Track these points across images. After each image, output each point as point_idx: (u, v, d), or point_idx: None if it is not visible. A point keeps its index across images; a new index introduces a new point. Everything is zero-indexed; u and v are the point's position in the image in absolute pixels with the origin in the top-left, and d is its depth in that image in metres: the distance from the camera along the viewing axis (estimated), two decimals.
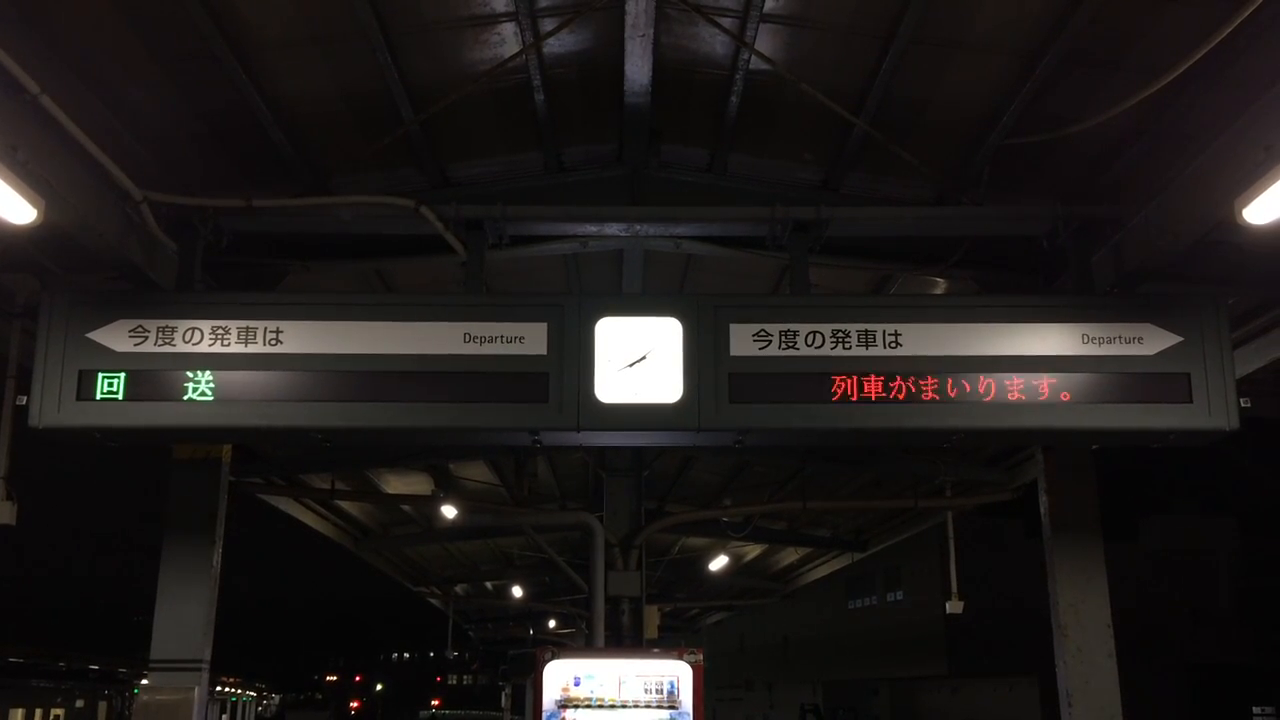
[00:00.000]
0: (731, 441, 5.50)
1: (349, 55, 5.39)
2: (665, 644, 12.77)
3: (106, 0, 4.76)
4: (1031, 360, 5.21)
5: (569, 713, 8.20)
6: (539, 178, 6.74)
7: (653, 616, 14.70)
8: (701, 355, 5.26)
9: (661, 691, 8.19)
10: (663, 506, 14.59)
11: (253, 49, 5.21)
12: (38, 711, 20.44)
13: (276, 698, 59.86)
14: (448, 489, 13.10)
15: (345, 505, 13.62)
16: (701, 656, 8.30)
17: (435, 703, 58.84)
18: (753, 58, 5.49)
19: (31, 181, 4.39)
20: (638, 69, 5.57)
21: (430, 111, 5.68)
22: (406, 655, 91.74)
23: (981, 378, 5.19)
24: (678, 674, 8.23)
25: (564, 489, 15.16)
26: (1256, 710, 24.92)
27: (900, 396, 5.18)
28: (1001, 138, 5.70)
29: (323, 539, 14.36)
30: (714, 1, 5.26)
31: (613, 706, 8.18)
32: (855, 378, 5.19)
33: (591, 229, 6.20)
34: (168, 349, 5.19)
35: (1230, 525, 27.88)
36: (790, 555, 19.05)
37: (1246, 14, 4.23)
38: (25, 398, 5.16)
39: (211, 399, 5.14)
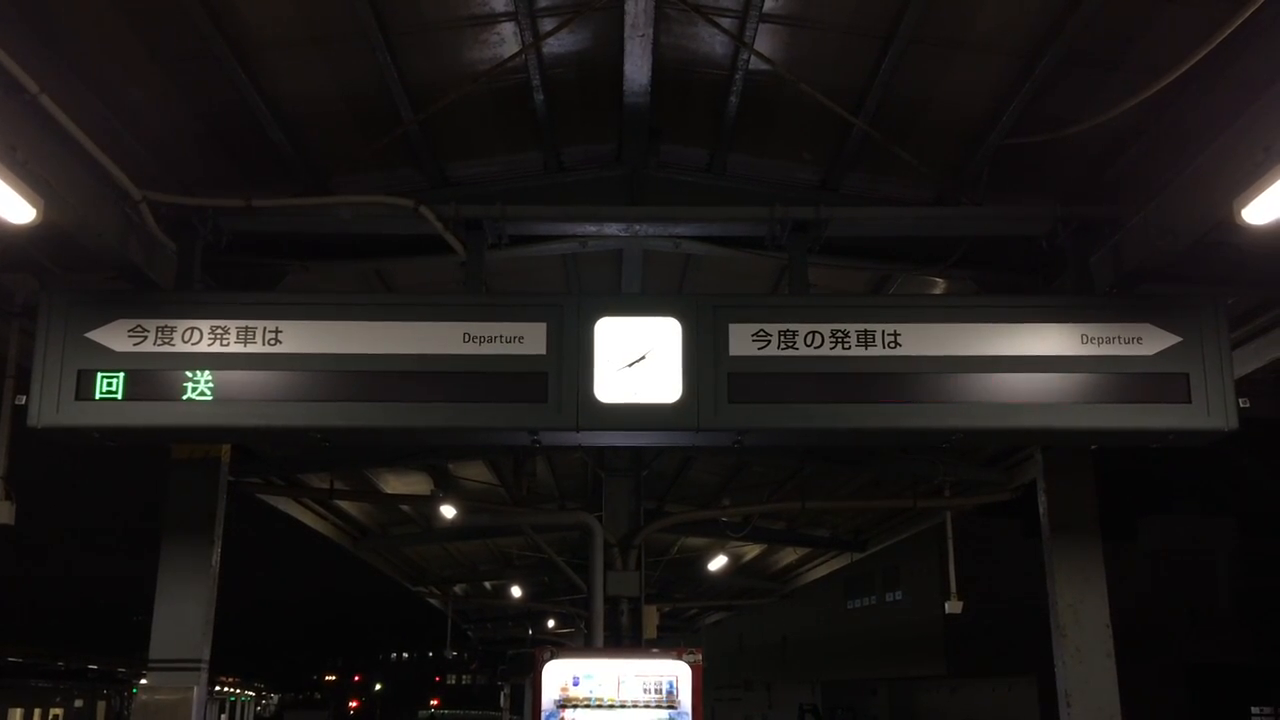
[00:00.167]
0: (730, 441, 5.51)
1: (348, 55, 5.39)
2: (664, 644, 12.73)
3: (106, 0, 4.76)
4: (1031, 360, 5.21)
5: (568, 712, 8.19)
6: (538, 177, 6.74)
7: (652, 616, 14.64)
8: (701, 355, 5.26)
9: (660, 691, 8.19)
10: (662, 506, 14.59)
11: (252, 49, 5.21)
12: (36, 711, 20.40)
13: (275, 697, 59.83)
14: (447, 489, 13.07)
15: (344, 505, 13.60)
16: (700, 656, 8.29)
17: (434, 702, 58.96)
18: (752, 58, 5.48)
19: (31, 181, 4.38)
20: (637, 69, 5.57)
21: (429, 111, 5.67)
22: (405, 655, 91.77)
23: (981, 378, 5.19)
24: (676, 674, 8.23)
25: (563, 489, 15.15)
26: (1255, 710, 24.89)
27: (899, 397, 5.19)
28: (1001, 138, 5.70)
29: (322, 539, 14.34)
30: (713, 1, 5.26)
31: (612, 706, 8.17)
32: (854, 377, 5.20)
33: (591, 229, 6.20)
34: (167, 349, 5.19)
35: (1229, 525, 27.81)
36: (789, 555, 19.05)
37: (1247, 14, 4.22)
38: (24, 397, 5.16)
39: (210, 399, 5.14)
